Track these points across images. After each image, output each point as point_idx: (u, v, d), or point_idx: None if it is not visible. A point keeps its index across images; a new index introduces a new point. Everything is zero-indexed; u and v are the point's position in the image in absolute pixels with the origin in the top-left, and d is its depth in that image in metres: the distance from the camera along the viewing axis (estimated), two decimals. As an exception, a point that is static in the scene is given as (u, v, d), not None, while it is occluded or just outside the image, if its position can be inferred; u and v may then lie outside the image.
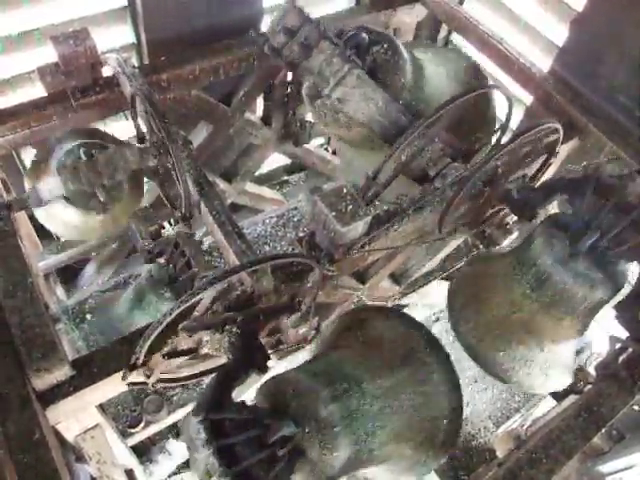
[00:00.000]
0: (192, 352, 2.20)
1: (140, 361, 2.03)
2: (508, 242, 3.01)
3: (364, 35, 2.89)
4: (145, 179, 3.89)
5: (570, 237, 2.43)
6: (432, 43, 4.88)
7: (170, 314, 1.85)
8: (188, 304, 1.87)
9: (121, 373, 2.11)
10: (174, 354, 2.14)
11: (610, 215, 2.37)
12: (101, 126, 3.78)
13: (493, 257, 2.96)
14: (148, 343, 1.94)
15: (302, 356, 3.35)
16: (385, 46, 2.90)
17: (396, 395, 2.20)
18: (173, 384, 2.42)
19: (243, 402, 1.90)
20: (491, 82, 4.74)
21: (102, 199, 2.79)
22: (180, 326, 2.01)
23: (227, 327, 2.09)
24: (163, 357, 2.10)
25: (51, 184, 2.66)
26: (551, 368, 2.66)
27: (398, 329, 2.49)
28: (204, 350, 2.19)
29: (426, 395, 2.31)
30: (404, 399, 2.22)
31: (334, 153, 6.13)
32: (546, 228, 2.54)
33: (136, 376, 2.10)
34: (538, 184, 2.91)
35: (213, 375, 2.04)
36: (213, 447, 1.69)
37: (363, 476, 2.34)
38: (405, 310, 5.31)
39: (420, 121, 2.50)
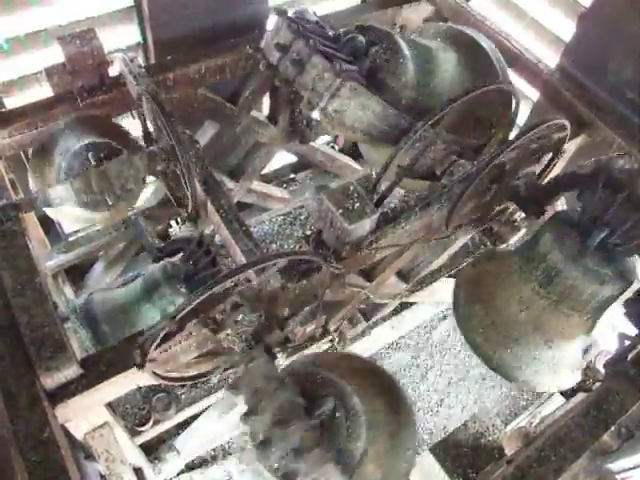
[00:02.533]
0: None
1: (150, 357, 2.03)
2: (516, 239, 3.00)
3: (361, 38, 2.86)
4: (152, 178, 3.91)
5: (579, 233, 2.42)
6: (444, 25, 4.82)
7: (181, 310, 1.86)
8: (197, 301, 1.87)
9: (129, 371, 2.12)
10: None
11: (620, 210, 2.35)
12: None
13: (498, 256, 2.94)
14: (159, 339, 1.95)
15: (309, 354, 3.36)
16: (384, 45, 2.87)
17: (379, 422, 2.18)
18: (183, 383, 2.43)
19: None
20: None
21: (111, 203, 2.80)
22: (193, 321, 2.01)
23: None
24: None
25: (61, 192, 2.66)
26: (559, 366, 2.64)
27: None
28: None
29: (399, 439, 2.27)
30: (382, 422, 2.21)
31: (341, 151, 6.13)
32: (555, 224, 2.52)
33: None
34: (546, 181, 2.89)
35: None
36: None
37: None
38: (412, 308, 5.32)
39: (420, 124, 2.50)
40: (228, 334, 2.14)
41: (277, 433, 1.72)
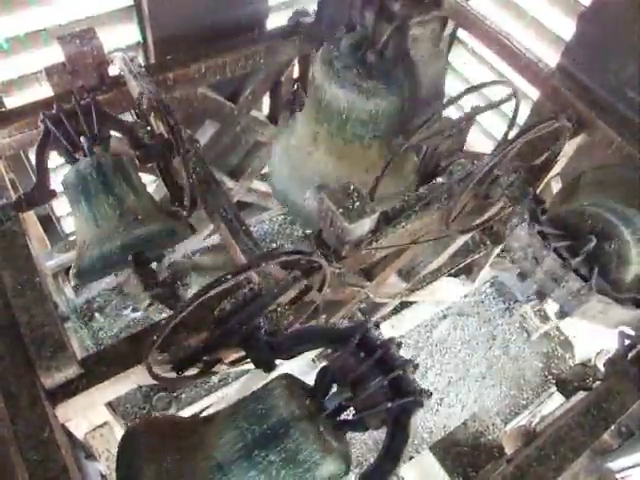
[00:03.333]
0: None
1: (147, 361, 2.03)
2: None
3: None
4: (152, 177, 3.90)
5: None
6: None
7: (176, 317, 1.85)
8: (195, 303, 1.87)
9: (130, 371, 2.12)
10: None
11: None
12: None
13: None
14: (157, 343, 1.95)
15: (310, 354, 3.36)
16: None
17: None
18: (185, 382, 2.42)
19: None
20: (498, 78, 4.73)
21: None
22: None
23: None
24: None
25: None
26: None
27: None
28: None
29: None
30: None
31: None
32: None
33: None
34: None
35: None
36: None
37: None
38: (412, 307, 5.31)
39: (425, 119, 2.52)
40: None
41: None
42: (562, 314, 2.48)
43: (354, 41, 3.09)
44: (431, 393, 1.72)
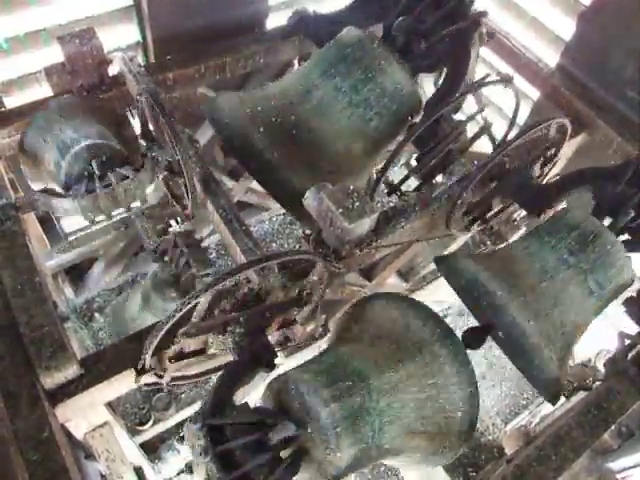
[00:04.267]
0: (200, 353, 2.21)
1: (147, 365, 2.03)
2: (516, 238, 3.00)
3: None
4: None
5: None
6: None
7: (174, 316, 1.85)
8: (193, 304, 1.87)
9: (130, 371, 2.12)
10: (182, 356, 2.14)
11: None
12: (108, 125, 3.80)
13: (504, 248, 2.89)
14: (153, 346, 1.94)
15: (310, 353, 3.36)
16: None
17: (405, 389, 2.12)
18: (184, 382, 2.42)
19: (246, 404, 1.89)
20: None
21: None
22: (180, 331, 2.01)
23: (230, 328, 2.09)
24: (170, 361, 2.10)
25: (66, 205, 2.64)
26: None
27: (408, 318, 2.35)
28: (211, 350, 2.20)
29: (438, 387, 2.25)
30: (414, 392, 2.14)
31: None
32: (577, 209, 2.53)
33: (149, 377, 2.11)
34: (551, 179, 2.89)
35: (216, 377, 2.03)
36: (212, 454, 1.68)
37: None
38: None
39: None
40: (221, 338, 2.13)
41: None
42: None
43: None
44: None
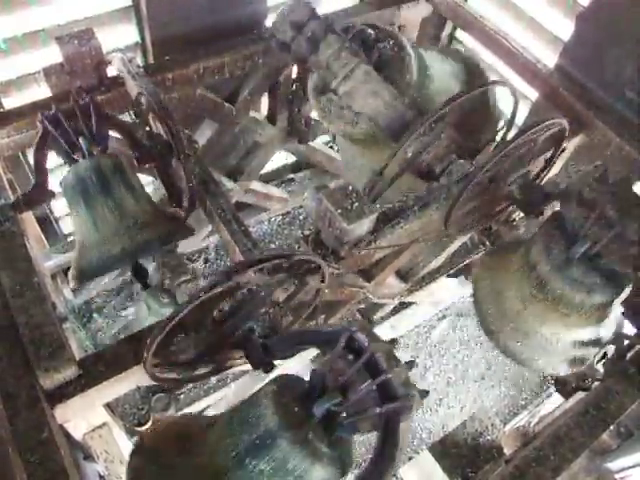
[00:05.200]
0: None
1: (148, 362, 2.03)
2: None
3: (370, 31, 2.88)
4: (151, 178, 3.90)
5: (567, 242, 2.44)
6: (435, 44, 4.89)
7: (175, 317, 1.85)
8: (193, 305, 1.87)
9: (129, 371, 2.12)
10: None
11: (596, 226, 2.36)
12: (106, 126, 3.80)
13: (510, 247, 2.94)
14: (154, 346, 1.94)
15: (309, 353, 3.36)
16: (391, 43, 2.90)
17: None
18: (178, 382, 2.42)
19: None
20: (496, 78, 4.73)
21: None
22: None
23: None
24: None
25: None
26: (573, 352, 2.68)
27: None
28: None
29: None
30: None
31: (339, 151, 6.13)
32: (546, 230, 2.55)
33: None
34: (544, 181, 2.90)
35: None
36: None
37: None
38: (411, 308, 5.32)
39: (426, 116, 2.50)
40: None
41: None
42: None
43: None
44: (428, 392, 1.71)
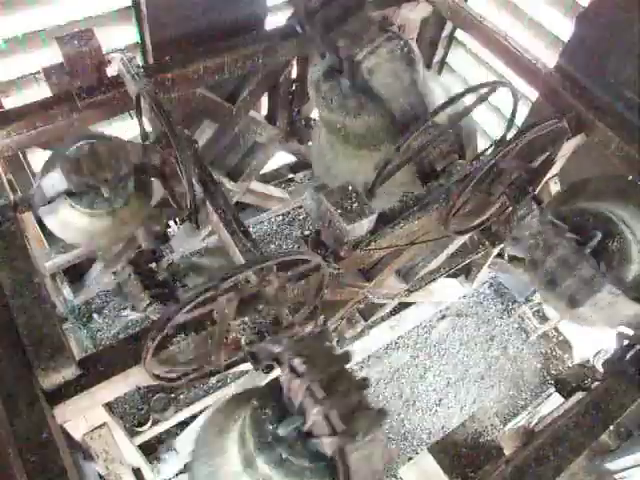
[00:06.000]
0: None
1: (149, 357, 2.03)
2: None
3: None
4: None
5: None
6: (435, 44, 4.95)
7: (173, 317, 1.85)
8: (194, 302, 1.87)
9: (128, 371, 2.12)
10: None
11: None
12: (106, 126, 3.80)
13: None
14: (153, 346, 1.94)
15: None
16: (402, 42, 2.90)
17: None
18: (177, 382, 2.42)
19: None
20: (496, 78, 4.73)
21: (106, 195, 2.74)
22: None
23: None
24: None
25: (54, 179, 2.61)
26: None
27: None
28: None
29: None
30: None
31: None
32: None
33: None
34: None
35: None
36: None
37: None
38: (411, 308, 5.32)
39: (429, 112, 2.52)
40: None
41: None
42: (573, 303, 2.48)
43: (329, 66, 3.12)
44: (386, 413, 1.70)
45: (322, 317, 2.51)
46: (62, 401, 2.05)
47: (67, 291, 5.10)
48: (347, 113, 3.00)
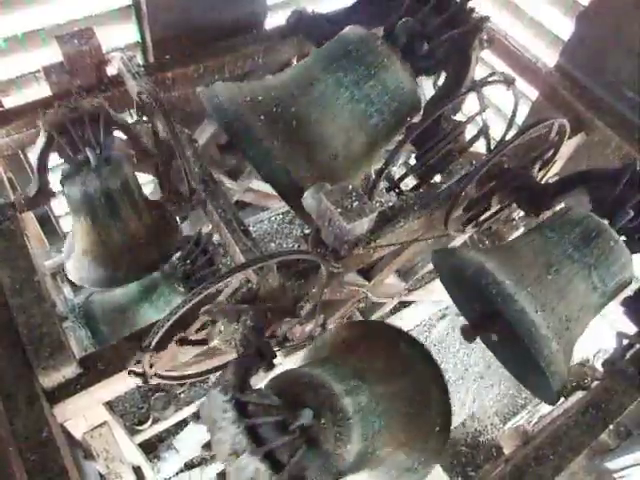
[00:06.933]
0: (202, 343, 2.21)
1: (151, 346, 2.03)
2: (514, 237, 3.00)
3: None
4: (151, 177, 3.90)
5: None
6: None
7: (182, 307, 1.86)
8: (197, 299, 1.88)
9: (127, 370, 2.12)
10: (186, 342, 2.15)
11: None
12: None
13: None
14: (161, 332, 1.94)
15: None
16: None
17: (396, 401, 2.20)
18: (176, 381, 2.42)
19: (261, 388, 1.89)
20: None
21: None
22: (202, 309, 2.03)
23: (242, 318, 2.10)
24: (176, 343, 2.10)
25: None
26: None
27: (396, 342, 2.50)
28: (214, 342, 2.20)
29: (420, 406, 2.31)
30: (402, 406, 2.23)
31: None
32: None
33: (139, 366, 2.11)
34: (551, 180, 2.90)
35: (231, 361, 2.02)
36: (242, 425, 1.66)
37: None
38: (411, 307, 5.32)
39: (425, 117, 2.52)
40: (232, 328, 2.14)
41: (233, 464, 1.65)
42: None
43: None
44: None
45: (322, 316, 2.51)
46: (62, 400, 2.05)
47: (67, 290, 5.09)
48: None
